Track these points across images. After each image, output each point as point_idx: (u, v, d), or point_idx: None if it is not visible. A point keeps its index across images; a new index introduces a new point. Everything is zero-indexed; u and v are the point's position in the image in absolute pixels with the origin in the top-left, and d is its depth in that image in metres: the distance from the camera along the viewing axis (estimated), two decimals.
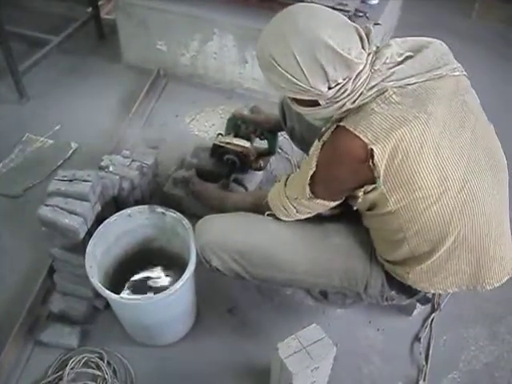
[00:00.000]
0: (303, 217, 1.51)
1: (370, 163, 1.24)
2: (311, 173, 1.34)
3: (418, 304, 1.83)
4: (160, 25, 2.66)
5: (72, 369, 1.68)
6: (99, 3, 3.10)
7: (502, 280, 1.46)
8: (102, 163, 1.90)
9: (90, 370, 1.69)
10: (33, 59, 2.65)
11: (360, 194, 1.34)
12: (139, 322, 1.68)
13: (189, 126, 2.60)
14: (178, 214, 1.67)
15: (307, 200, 1.41)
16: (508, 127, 1.89)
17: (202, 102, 2.72)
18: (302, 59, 1.21)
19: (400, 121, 1.22)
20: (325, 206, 1.43)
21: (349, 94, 1.26)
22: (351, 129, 1.24)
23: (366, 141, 1.21)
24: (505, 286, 1.90)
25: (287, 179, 1.50)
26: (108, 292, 1.51)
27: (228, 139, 2.00)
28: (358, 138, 1.22)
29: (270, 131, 2.00)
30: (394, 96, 1.25)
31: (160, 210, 1.69)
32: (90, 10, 3.01)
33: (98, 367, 1.70)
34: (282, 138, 2.14)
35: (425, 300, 1.63)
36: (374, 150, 1.21)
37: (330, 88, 1.25)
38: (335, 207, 1.49)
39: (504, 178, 1.44)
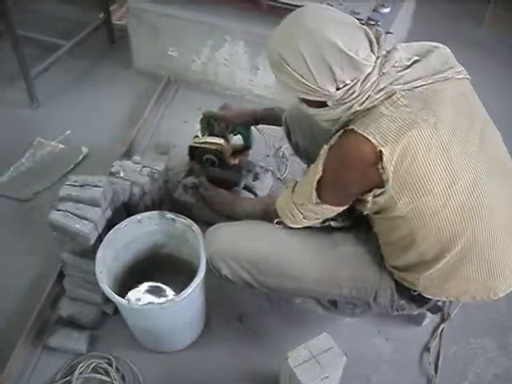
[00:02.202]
0: (311, 223, 1.51)
1: (379, 166, 1.24)
2: (318, 177, 1.34)
3: (427, 314, 1.83)
4: (171, 31, 2.67)
5: (80, 374, 1.69)
6: (111, 9, 3.11)
7: (502, 293, 1.45)
8: (113, 169, 1.91)
9: (99, 376, 1.69)
10: (44, 64, 2.66)
11: (369, 198, 1.33)
12: (148, 328, 1.68)
13: (198, 132, 2.59)
14: (188, 220, 1.67)
15: (314, 205, 1.41)
16: None
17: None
18: (310, 59, 1.22)
19: (409, 123, 1.23)
20: (332, 211, 1.42)
21: (357, 96, 1.26)
22: (360, 131, 1.24)
23: (375, 143, 1.21)
24: None
25: (295, 185, 1.50)
26: (118, 297, 1.51)
27: (203, 139, 2.02)
28: (367, 139, 1.22)
29: (241, 125, 2.01)
30: (401, 99, 1.25)
31: (170, 215, 1.69)
32: (101, 15, 3.02)
33: (107, 373, 1.70)
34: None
35: (435, 309, 1.61)
36: (383, 151, 1.21)
37: (338, 89, 1.25)
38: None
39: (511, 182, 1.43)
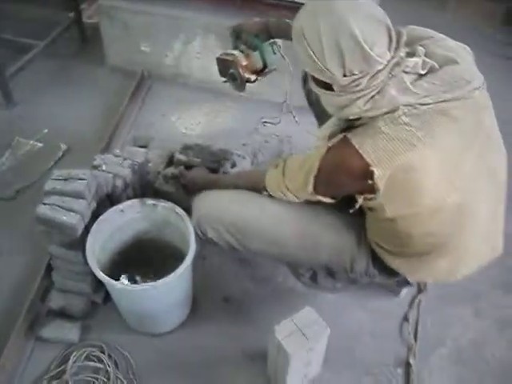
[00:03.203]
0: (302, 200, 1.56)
1: (370, 181, 1.29)
2: (314, 173, 1.38)
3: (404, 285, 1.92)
4: (143, 27, 2.72)
5: (74, 363, 1.74)
6: (81, 8, 3.14)
7: (473, 270, 1.56)
8: (95, 162, 1.94)
9: (92, 363, 1.74)
10: (18, 64, 2.69)
11: (360, 199, 1.40)
12: (140, 310, 1.74)
13: (175, 124, 2.66)
14: (170, 203, 1.74)
15: (309, 194, 1.45)
16: None
17: (188, 101, 2.78)
18: (325, 39, 1.23)
19: (405, 144, 1.25)
20: (325, 200, 1.47)
21: (362, 90, 1.27)
22: (357, 146, 1.27)
23: (369, 161, 1.26)
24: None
25: (284, 166, 1.53)
26: (113, 281, 1.56)
27: (224, 52, 1.93)
28: (361, 156, 1.26)
29: (256, 36, 1.85)
30: (403, 117, 1.26)
31: (151, 202, 1.77)
32: (71, 14, 3.05)
33: (100, 360, 1.75)
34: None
35: (404, 283, 1.71)
36: (375, 171, 1.26)
37: (344, 76, 1.26)
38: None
39: (502, 197, 1.51)
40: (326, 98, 1.39)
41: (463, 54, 1.39)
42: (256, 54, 1.85)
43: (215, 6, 2.57)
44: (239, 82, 1.88)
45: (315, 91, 1.41)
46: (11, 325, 1.77)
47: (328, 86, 1.33)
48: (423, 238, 1.45)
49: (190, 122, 2.67)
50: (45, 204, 1.70)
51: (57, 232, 1.71)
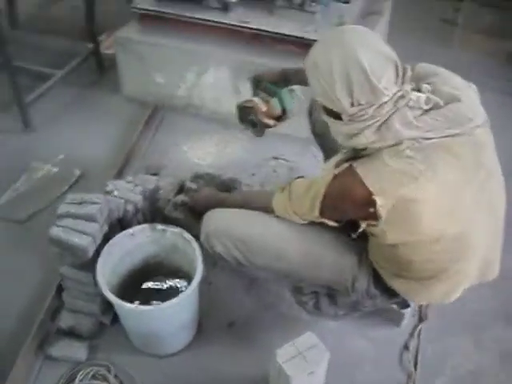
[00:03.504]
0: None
1: (372, 209, 1.36)
2: (320, 199, 1.46)
3: (405, 315, 1.96)
4: (157, 58, 2.82)
5: (81, 381, 1.79)
6: (99, 39, 3.26)
7: (460, 293, 1.64)
8: (107, 188, 2.02)
9: (98, 382, 1.79)
10: (38, 92, 2.80)
11: (363, 225, 1.47)
12: (147, 331, 1.79)
13: (187, 153, 2.74)
14: (178, 229, 1.81)
15: (315, 218, 1.53)
16: None
17: (199, 131, 2.86)
18: (336, 71, 1.31)
19: (407, 177, 1.32)
20: (330, 224, 1.54)
21: (368, 119, 1.34)
22: (361, 175, 1.35)
23: (372, 190, 1.34)
24: (487, 296, 2.05)
25: (290, 191, 1.60)
26: (122, 302, 1.63)
27: (244, 99, 1.99)
28: (364, 184, 1.34)
29: (273, 83, 1.94)
30: (407, 151, 1.33)
31: (160, 227, 1.84)
32: (90, 45, 3.17)
33: (106, 379, 1.80)
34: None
35: (403, 305, 1.75)
36: (377, 200, 1.33)
37: (352, 105, 1.34)
38: None
39: (501, 229, 1.58)
40: (335, 127, 1.47)
41: (468, 91, 1.46)
42: (275, 101, 1.93)
43: (227, 40, 2.66)
44: (258, 128, 1.96)
45: (326, 121, 1.49)
46: (21, 342, 1.83)
47: (337, 116, 1.41)
48: (423, 264, 1.51)
49: (201, 152, 2.75)
50: (58, 226, 1.78)
51: (68, 253, 1.78)
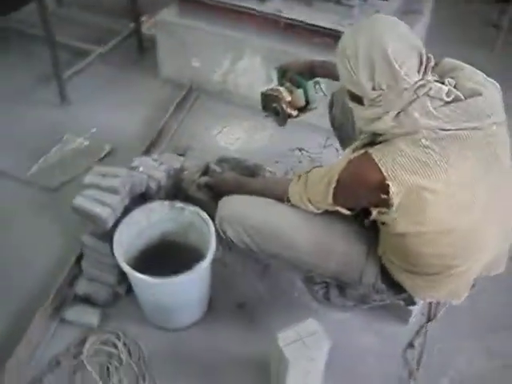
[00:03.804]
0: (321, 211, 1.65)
1: (385, 195, 1.37)
2: (334, 184, 1.48)
3: (413, 312, 1.96)
4: (195, 42, 2.87)
5: (91, 345, 1.86)
6: (141, 19, 3.33)
7: (467, 293, 1.66)
8: (133, 164, 2.09)
9: (107, 348, 1.87)
10: (76, 68, 2.90)
11: (374, 212, 1.48)
12: (159, 303, 1.85)
13: (215, 137, 2.79)
14: (196, 208, 1.86)
15: (328, 205, 1.56)
16: None
17: (230, 116, 2.91)
18: (361, 54, 1.35)
19: (422, 166, 1.34)
20: (343, 211, 1.56)
21: (387, 105, 1.37)
22: (376, 159, 1.37)
23: (386, 175, 1.35)
24: (501, 302, 2.04)
25: (306, 179, 1.63)
26: (137, 274, 1.68)
27: (270, 87, 2.05)
28: (380, 170, 1.36)
29: (299, 74, 1.98)
30: (423, 140, 1.35)
31: (179, 205, 1.89)
32: (132, 25, 3.24)
33: (115, 346, 1.87)
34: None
35: (409, 301, 1.76)
36: (391, 185, 1.35)
37: (373, 89, 1.37)
38: None
39: (510, 222, 1.58)
40: (357, 112, 1.50)
41: (491, 89, 1.46)
42: (300, 92, 1.96)
43: (263, 28, 2.70)
44: (281, 117, 2.00)
45: (350, 106, 1.52)
46: (39, 305, 1.91)
47: (360, 101, 1.45)
48: (432, 258, 1.51)
49: (230, 137, 2.80)
50: (81, 195, 1.85)
51: (90, 222, 1.85)
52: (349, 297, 1.86)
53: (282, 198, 1.73)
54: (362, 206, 1.53)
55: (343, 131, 2.00)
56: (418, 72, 1.35)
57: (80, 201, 1.84)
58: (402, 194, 1.36)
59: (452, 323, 2.02)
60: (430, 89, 1.36)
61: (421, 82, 1.35)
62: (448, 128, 1.36)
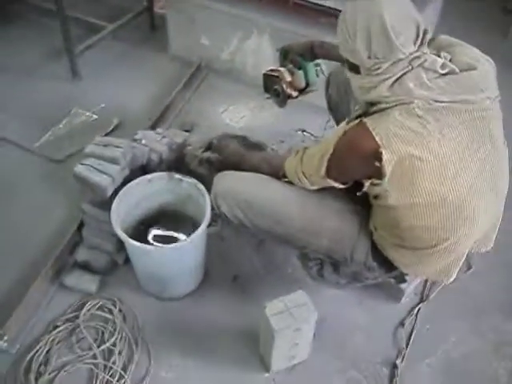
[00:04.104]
0: (316, 188, 1.67)
1: (378, 164, 1.40)
2: (328, 155, 1.50)
3: (406, 291, 1.99)
4: (205, 20, 2.89)
5: (88, 311, 1.92)
6: None
7: (452, 279, 1.69)
8: (136, 136, 2.14)
9: (103, 314, 1.92)
10: (88, 43, 2.93)
11: (367, 184, 1.50)
12: (155, 272, 1.90)
13: (221, 115, 2.82)
14: (194, 179, 1.90)
15: (321, 179, 1.58)
16: None
17: (237, 95, 2.94)
18: (360, 23, 1.38)
19: (415, 135, 1.37)
20: (335, 185, 1.58)
21: (382, 74, 1.40)
22: (370, 128, 1.39)
23: (379, 143, 1.37)
24: (493, 286, 2.05)
25: (303, 154, 1.65)
26: (133, 241, 1.73)
27: (271, 68, 2.08)
28: (373, 137, 1.38)
29: (301, 55, 2.01)
30: (417, 109, 1.37)
31: (178, 176, 1.93)
32: (144, 2, 3.28)
33: (111, 312, 1.93)
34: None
35: (400, 279, 1.78)
36: (383, 153, 1.37)
37: (369, 58, 1.40)
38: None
39: (500, 199, 1.61)
40: (354, 81, 1.53)
41: (486, 65, 1.49)
42: (300, 73, 2.00)
43: (272, 8, 2.71)
44: (282, 98, 2.03)
45: (348, 76, 1.55)
46: (41, 269, 1.97)
47: (357, 71, 1.48)
48: (423, 231, 1.53)
49: (235, 115, 2.83)
50: (83, 164, 1.90)
51: (89, 191, 1.90)
52: (342, 274, 1.89)
53: (278, 172, 1.75)
54: (354, 177, 1.55)
55: (338, 112, 2.02)
56: (414, 44, 1.38)
57: (81, 169, 1.89)
58: (394, 163, 1.38)
59: (444, 304, 2.05)
60: (425, 60, 1.39)
61: (416, 54, 1.38)
62: (442, 100, 1.38)
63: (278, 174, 1.76)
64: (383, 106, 1.43)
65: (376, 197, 1.55)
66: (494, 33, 3.51)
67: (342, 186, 1.58)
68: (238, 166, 1.88)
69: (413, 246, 1.58)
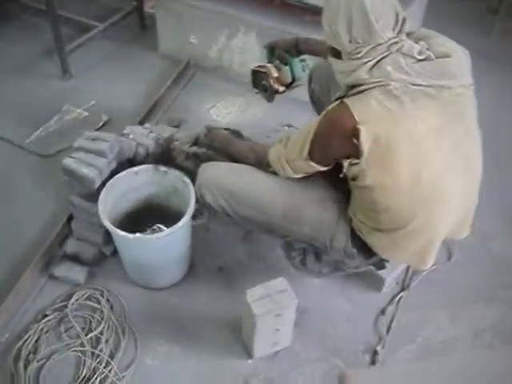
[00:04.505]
0: (299, 176, 1.72)
1: (355, 140, 1.46)
2: (311, 136, 1.57)
3: (387, 280, 2.04)
4: (193, 19, 2.95)
5: (76, 300, 1.97)
6: None
7: (429, 265, 1.75)
8: (124, 131, 2.20)
9: (91, 303, 1.97)
10: (79, 41, 2.99)
11: (345, 163, 1.56)
12: (139, 261, 1.95)
13: (209, 111, 2.88)
14: (179, 172, 1.95)
15: (303, 161, 1.63)
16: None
17: (224, 92, 2.99)
18: (342, 9, 1.46)
19: (392, 114, 1.44)
20: (317, 168, 1.64)
21: (362, 58, 1.47)
22: (350, 106, 1.46)
23: (357, 119, 1.44)
24: (473, 276, 2.13)
25: (287, 141, 1.71)
26: (119, 231, 1.78)
27: (259, 64, 2.14)
28: (352, 114, 1.45)
29: (286, 51, 2.08)
30: (395, 91, 1.44)
31: (163, 169, 1.98)
32: (134, 2, 3.33)
33: (98, 302, 1.97)
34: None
35: (379, 265, 1.83)
36: (361, 129, 1.43)
37: (350, 42, 1.47)
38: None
39: (474, 183, 1.67)
40: (336, 66, 1.59)
41: (460, 54, 1.56)
42: (286, 69, 2.07)
43: (258, 6, 2.77)
44: (269, 93, 2.10)
45: (330, 63, 1.61)
46: (31, 261, 2.02)
47: (339, 56, 1.55)
48: (399, 211, 1.58)
49: (223, 111, 2.88)
50: (71, 157, 1.95)
51: (77, 183, 1.95)
52: (324, 263, 1.95)
53: (263, 160, 1.80)
54: (335, 157, 1.59)
55: (320, 105, 2.07)
56: (393, 30, 1.46)
57: (69, 161, 1.94)
58: (371, 140, 1.44)
59: (425, 293, 2.10)
60: (403, 46, 1.47)
61: (394, 39, 1.47)
62: (418, 83, 1.46)
63: (263, 163, 1.80)
64: (363, 87, 1.50)
65: (354, 178, 1.60)
66: (478, 31, 3.56)
67: (323, 169, 1.64)
68: (225, 153, 1.95)
69: (388, 227, 1.63)
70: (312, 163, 1.62)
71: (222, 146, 1.99)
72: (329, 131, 1.54)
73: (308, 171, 1.68)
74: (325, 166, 1.63)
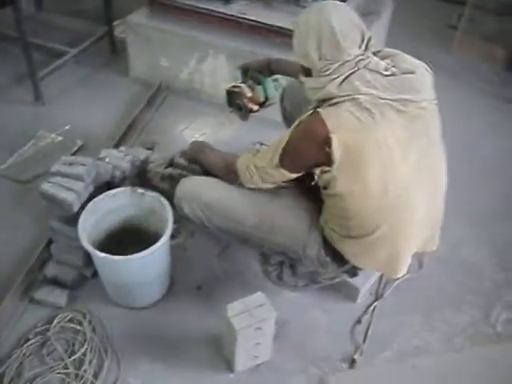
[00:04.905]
0: (267, 186, 1.80)
1: (327, 149, 1.54)
2: (283, 144, 1.64)
3: (361, 290, 2.11)
4: (163, 43, 3.02)
5: (58, 323, 1.99)
6: (114, 23, 3.47)
7: (400, 274, 1.82)
8: (100, 155, 2.23)
9: (73, 326, 1.99)
10: (51, 67, 3.03)
11: (317, 172, 1.64)
12: (119, 281, 1.98)
13: (182, 133, 2.94)
14: (156, 193, 2.00)
15: (273, 169, 1.70)
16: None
17: (197, 113, 3.07)
18: (311, 29, 1.58)
19: (362, 124, 1.53)
20: (287, 176, 1.71)
21: (331, 74, 1.57)
22: (323, 115, 1.55)
23: (330, 128, 1.52)
24: (444, 282, 2.21)
25: (257, 152, 1.79)
26: (98, 252, 1.82)
27: (232, 84, 2.23)
28: (324, 123, 1.53)
29: (259, 72, 2.18)
30: (365, 103, 1.53)
31: (140, 191, 2.03)
32: (105, 28, 3.39)
33: (81, 324, 1.99)
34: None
35: (352, 273, 1.90)
36: (333, 138, 1.52)
37: (320, 59, 1.58)
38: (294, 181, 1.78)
39: (439, 193, 1.76)
40: (308, 83, 1.68)
41: (423, 71, 1.67)
42: (259, 88, 2.17)
43: (227, 30, 2.85)
44: (243, 112, 2.20)
45: (302, 81, 1.71)
46: (11, 286, 2.03)
47: (309, 74, 1.65)
48: (368, 218, 1.65)
49: (196, 132, 2.95)
50: (49, 182, 1.99)
51: (56, 207, 1.98)
52: (300, 276, 2.01)
53: (231, 166, 1.86)
54: (306, 165, 1.66)
55: (292, 121, 2.14)
56: (360, 47, 1.58)
57: (47, 186, 1.97)
58: (342, 148, 1.52)
59: (398, 302, 2.18)
60: (370, 62, 1.58)
61: (361, 56, 1.58)
62: (385, 97, 1.55)
63: (231, 170, 1.86)
64: (334, 101, 1.58)
65: (326, 187, 1.67)
66: (439, 47, 3.73)
67: (293, 176, 1.71)
68: (198, 161, 2.08)
69: (358, 233, 1.70)
70: (283, 170, 1.69)
71: (196, 155, 2.10)
72: (302, 139, 1.61)
73: (276, 180, 1.76)
74: (295, 173, 1.70)
